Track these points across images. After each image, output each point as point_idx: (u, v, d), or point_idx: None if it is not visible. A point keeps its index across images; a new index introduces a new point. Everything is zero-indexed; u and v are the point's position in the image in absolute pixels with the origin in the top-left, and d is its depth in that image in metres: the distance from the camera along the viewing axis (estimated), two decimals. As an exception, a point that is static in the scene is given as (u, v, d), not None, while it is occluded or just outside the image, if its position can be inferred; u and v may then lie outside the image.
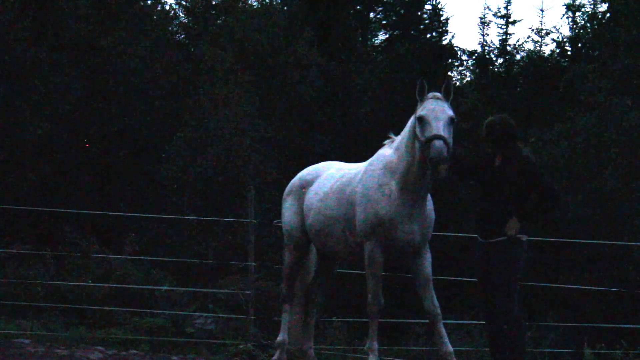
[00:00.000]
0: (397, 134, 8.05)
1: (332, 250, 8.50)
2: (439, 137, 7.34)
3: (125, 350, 10.94)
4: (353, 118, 22.39)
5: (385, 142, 8.18)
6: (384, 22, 26.25)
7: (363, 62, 23.34)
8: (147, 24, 21.34)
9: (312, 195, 8.53)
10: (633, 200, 19.16)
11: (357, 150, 19.48)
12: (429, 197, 7.91)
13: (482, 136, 7.96)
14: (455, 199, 19.51)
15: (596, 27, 24.90)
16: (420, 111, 7.55)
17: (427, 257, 7.93)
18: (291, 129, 20.74)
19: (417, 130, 7.53)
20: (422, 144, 7.44)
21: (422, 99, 7.63)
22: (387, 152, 8.03)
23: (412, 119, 7.75)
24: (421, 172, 7.63)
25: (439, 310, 7.86)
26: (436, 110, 7.50)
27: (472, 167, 8.02)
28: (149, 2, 23.47)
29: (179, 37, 23.90)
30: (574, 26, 25.14)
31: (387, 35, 26.12)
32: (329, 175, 8.56)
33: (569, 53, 25.33)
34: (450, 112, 7.54)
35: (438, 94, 7.64)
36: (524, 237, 7.74)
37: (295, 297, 8.98)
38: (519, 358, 7.65)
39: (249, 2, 23.65)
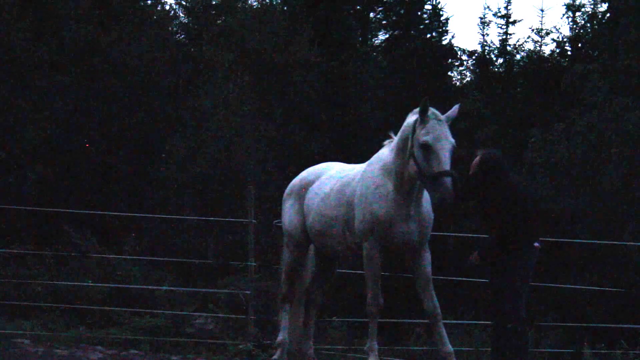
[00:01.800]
0: (397, 133, 8.03)
1: (332, 250, 8.51)
2: (448, 174, 7.21)
3: (125, 350, 10.96)
4: (353, 118, 22.35)
5: (385, 142, 8.18)
6: (384, 22, 26.19)
7: (363, 62, 23.31)
8: (147, 24, 21.32)
9: (313, 196, 8.54)
10: (633, 200, 19.13)
11: (357, 150, 19.44)
12: (426, 196, 7.89)
13: (472, 171, 7.87)
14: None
15: (596, 27, 24.86)
16: (424, 136, 7.38)
17: (427, 257, 7.93)
18: (291, 129, 20.72)
19: (420, 157, 7.37)
20: (427, 177, 7.29)
21: (424, 118, 7.47)
22: (385, 152, 8.04)
23: (409, 124, 7.65)
24: (414, 175, 7.61)
25: (439, 311, 7.86)
26: (441, 138, 7.35)
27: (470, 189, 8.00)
28: (149, 2, 23.45)
29: (179, 37, 23.88)
30: (574, 26, 25.09)
31: (387, 35, 26.07)
32: (329, 176, 8.57)
33: (569, 53, 25.27)
34: (452, 140, 7.45)
35: (439, 115, 7.50)
36: (537, 244, 7.86)
37: (295, 297, 8.98)
38: (521, 359, 7.66)
39: (249, 2, 23.62)
